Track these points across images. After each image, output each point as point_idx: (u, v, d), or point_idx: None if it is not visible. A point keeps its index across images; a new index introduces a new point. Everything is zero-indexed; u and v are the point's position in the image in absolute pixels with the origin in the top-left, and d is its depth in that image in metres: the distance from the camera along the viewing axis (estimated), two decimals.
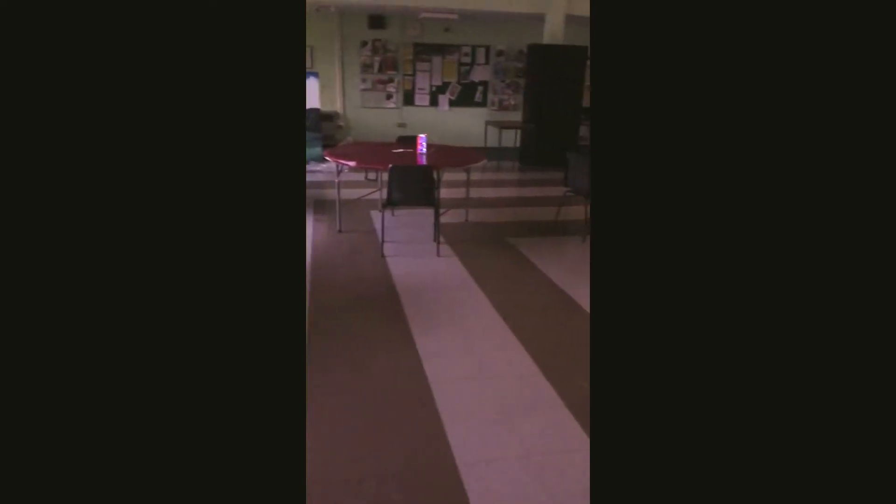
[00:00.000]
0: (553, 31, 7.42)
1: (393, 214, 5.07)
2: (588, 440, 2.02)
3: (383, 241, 4.16)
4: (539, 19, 7.76)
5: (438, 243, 4.21)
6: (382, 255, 3.94)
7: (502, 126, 7.47)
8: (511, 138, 8.98)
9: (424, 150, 4.44)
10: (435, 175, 3.90)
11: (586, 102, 8.71)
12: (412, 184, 3.80)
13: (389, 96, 8.89)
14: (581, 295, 3.34)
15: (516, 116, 9.19)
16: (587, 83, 8.59)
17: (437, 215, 4.07)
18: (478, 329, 2.88)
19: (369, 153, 4.56)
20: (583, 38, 8.94)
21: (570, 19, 7.93)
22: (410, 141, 4.85)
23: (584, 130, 9.06)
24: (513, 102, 9.32)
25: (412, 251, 4.08)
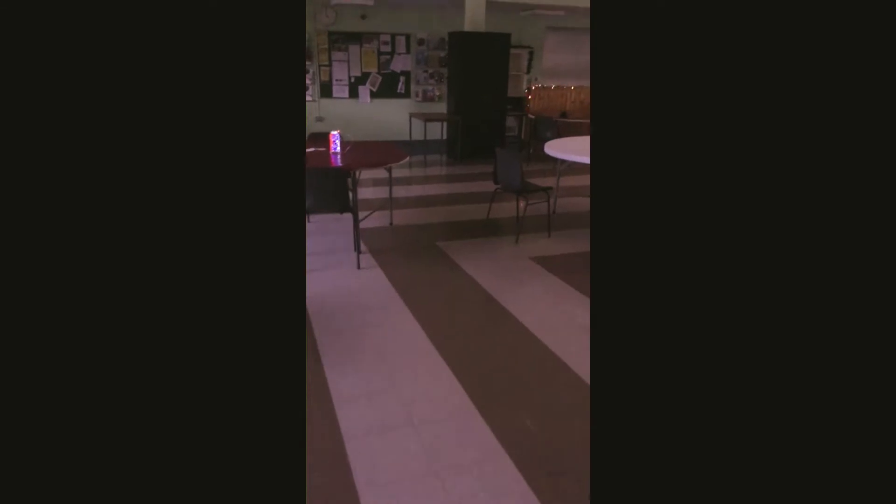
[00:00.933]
0: (474, 18, 7.09)
1: (309, 221, 4.55)
2: (535, 498, 1.68)
3: None
4: (459, 5, 7.41)
5: (359, 253, 3.76)
6: None
7: (427, 118, 7.08)
8: (437, 131, 8.61)
9: (339, 148, 3.96)
10: (353, 176, 3.45)
11: (512, 92, 8.49)
12: (325, 188, 3.33)
13: (305, 88, 8.24)
14: (516, 305, 3.03)
15: (441, 108, 8.82)
16: (512, 72, 8.38)
17: (356, 222, 3.62)
18: (402, 360, 2.48)
19: None
20: (504, 25, 8.70)
21: (492, 6, 7.63)
22: (324, 138, 4.35)
23: (510, 121, 8.86)
24: (437, 93, 8.94)
25: (330, 263, 3.61)
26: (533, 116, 7.59)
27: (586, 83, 10.14)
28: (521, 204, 4.93)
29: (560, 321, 2.85)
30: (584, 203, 5.20)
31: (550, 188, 4.27)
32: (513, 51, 8.70)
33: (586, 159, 3.90)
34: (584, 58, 10.61)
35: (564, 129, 7.64)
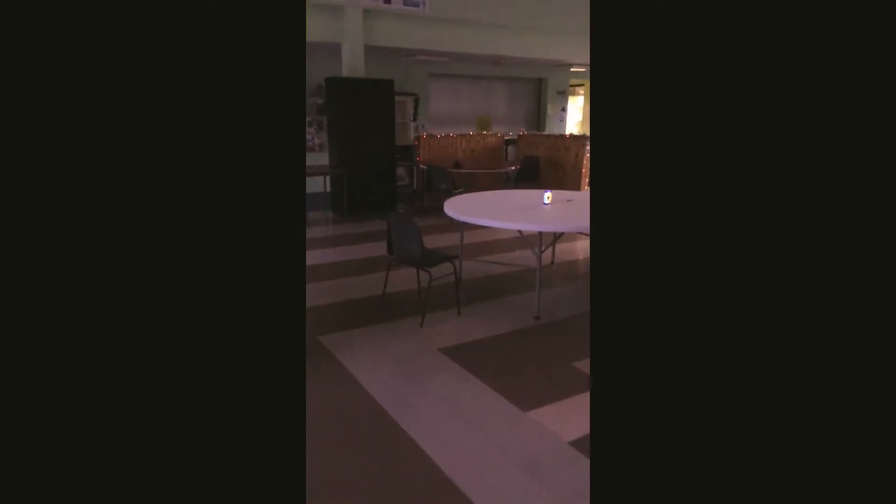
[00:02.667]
0: (352, 63, 6.46)
1: None
2: None
3: None
4: (335, 50, 6.76)
5: None
6: None
7: (308, 173, 6.20)
8: (320, 184, 7.75)
9: None
10: None
11: (400, 141, 7.95)
12: None
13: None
14: (421, 428, 2.22)
15: (324, 159, 8.00)
16: (399, 120, 7.86)
17: None
18: None
19: None
20: (386, 71, 8.21)
21: (372, 51, 7.08)
22: None
23: (400, 171, 8.27)
24: (318, 142, 8.11)
25: None
26: (424, 166, 7.04)
27: (473, 131, 9.92)
28: (425, 277, 4.22)
29: (483, 453, 2.10)
30: (493, 268, 4.60)
31: (456, 256, 3.60)
32: (399, 98, 8.22)
33: (496, 223, 3.29)
34: (470, 105, 10.47)
35: (459, 180, 7.18)
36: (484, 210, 3.63)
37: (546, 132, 10.76)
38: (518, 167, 7.29)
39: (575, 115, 13.81)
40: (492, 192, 4.51)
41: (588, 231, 3.25)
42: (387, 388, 2.58)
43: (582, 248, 5.13)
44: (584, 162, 7.34)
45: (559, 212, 3.64)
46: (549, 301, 3.77)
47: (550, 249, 4.81)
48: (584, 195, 4.35)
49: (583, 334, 3.22)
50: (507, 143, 8.86)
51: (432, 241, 5.35)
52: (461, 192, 6.75)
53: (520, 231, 3.25)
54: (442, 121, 10.15)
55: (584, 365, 2.83)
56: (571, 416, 2.35)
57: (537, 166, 7.55)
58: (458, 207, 3.68)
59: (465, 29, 7.35)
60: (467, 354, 2.96)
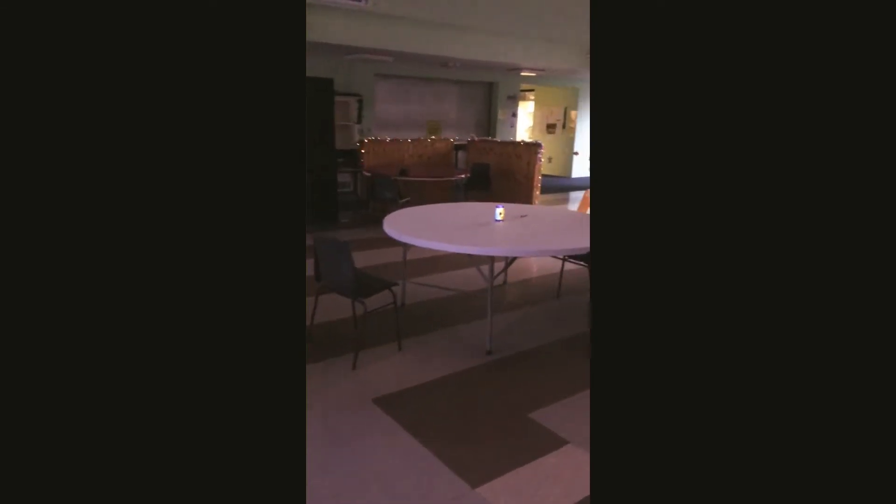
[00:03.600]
0: None
1: None
2: None
3: None
4: None
5: None
6: None
7: None
8: None
9: None
10: None
11: (342, 145, 7.38)
12: None
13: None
14: None
15: None
16: (341, 122, 7.30)
17: None
18: None
19: None
20: (327, 70, 7.64)
21: (311, 47, 6.50)
22: None
23: (344, 177, 7.71)
24: None
25: None
26: (369, 173, 6.53)
27: (422, 135, 9.48)
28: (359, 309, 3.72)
29: None
30: (439, 291, 4.16)
31: (396, 283, 3.13)
32: (340, 98, 7.65)
33: (443, 245, 2.85)
34: (417, 108, 10.02)
35: (406, 189, 6.71)
36: (429, 228, 3.18)
37: (498, 139, 10.48)
38: (468, 175, 6.90)
39: (525, 122, 13.65)
40: (439, 205, 4.08)
41: (546, 254, 2.87)
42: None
43: (536, 265, 4.78)
44: (536, 171, 7.05)
45: (513, 231, 3.25)
46: (501, 329, 3.37)
47: (502, 269, 4.43)
48: (538, 210, 3.99)
49: (540, 373, 2.84)
50: (457, 148, 8.47)
51: (374, 258, 4.85)
52: (407, 202, 6.29)
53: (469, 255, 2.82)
54: (390, 124, 9.65)
55: (542, 416, 2.43)
56: (530, 492, 1.93)
57: (488, 175, 7.20)
58: (401, 225, 3.22)
59: (410, 27, 6.90)
60: (406, 405, 2.50)
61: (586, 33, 8.98)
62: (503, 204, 3.92)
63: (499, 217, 3.48)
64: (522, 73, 10.46)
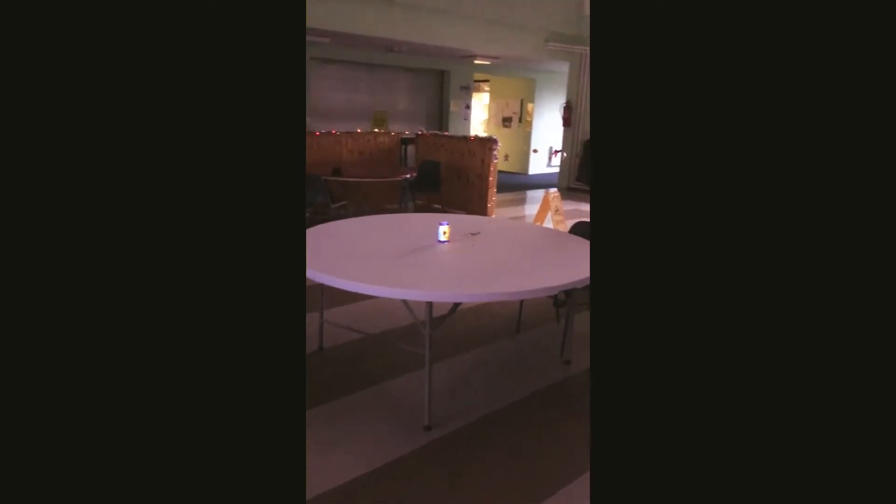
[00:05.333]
0: None
1: None
2: None
3: None
4: None
5: None
6: None
7: None
8: None
9: None
10: None
11: None
12: None
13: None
14: None
15: None
16: None
17: None
18: None
19: None
20: None
21: None
22: None
23: None
24: None
25: None
26: None
27: (366, 127, 8.57)
28: None
29: None
30: (350, 334, 3.34)
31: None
32: None
33: (367, 288, 2.02)
34: (362, 97, 9.09)
35: (343, 192, 5.81)
36: (352, 256, 2.35)
37: (450, 132, 9.67)
38: (414, 175, 6.08)
39: (480, 114, 12.91)
40: (373, 218, 3.24)
41: (501, 297, 2.10)
42: None
43: None
44: (492, 170, 6.30)
45: (459, 260, 2.46)
46: (445, 385, 2.58)
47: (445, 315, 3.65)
48: (494, 226, 3.22)
49: (505, 457, 2.06)
50: (405, 143, 7.62)
51: None
52: (343, 207, 5.40)
53: (404, 301, 2.00)
54: (332, 115, 8.69)
55: None
56: None
57: (437, 174, 6.39)
58: (317, 251, 2.37)
59: (349, 4, 5.98)
60: None
61: (544, 19, 8.31)
62: (451, 216, 3.13)
63: (443, 237, 2.69)
64: (476, 62, 9.69)
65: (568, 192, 8.85)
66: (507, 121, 11.86)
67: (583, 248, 2.72)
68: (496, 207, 6.84)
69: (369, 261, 2.32)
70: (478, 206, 6.49)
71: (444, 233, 2.69)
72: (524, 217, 6.81)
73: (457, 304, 2.42)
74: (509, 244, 2.81)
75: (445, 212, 6.80)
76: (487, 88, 12.27)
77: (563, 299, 2.28)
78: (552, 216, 5.77)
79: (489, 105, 12.34)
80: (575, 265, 2.41)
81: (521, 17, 7.83)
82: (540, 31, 8.23)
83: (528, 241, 2.91)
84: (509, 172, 11.52)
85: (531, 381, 2.65)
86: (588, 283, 2.24)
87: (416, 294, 1.97)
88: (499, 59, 8.97)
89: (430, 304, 2.20)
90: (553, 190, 5.80)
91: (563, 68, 9.19)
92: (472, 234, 2.88)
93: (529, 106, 11.30)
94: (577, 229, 3.13)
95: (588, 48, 8.56)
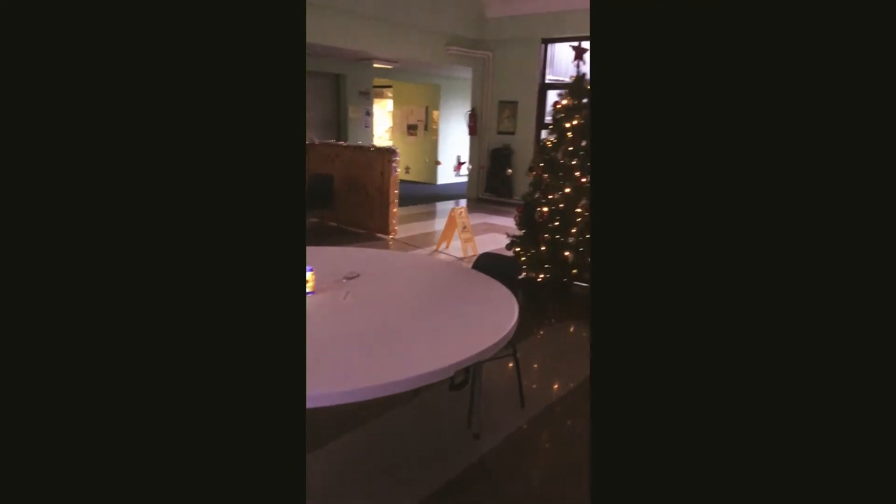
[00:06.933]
0: None
1: None
2: None
3: None
4: None
5: None
6: None
7: None
8: None
9: None
10: None
11: None
12: None
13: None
14: None
15: None
16: None
17: None
18: None
19: None
20: None
21: None
22: None
23: None
24: None
25: None
26: None
27: None
28: None
29: None
30: None
31: None
32: None
33: None
34: None
35: None
36: None
37: (350, 142, 8.92)
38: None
39: (384, 122, 12.25)
40: None
41: (374, 392, 1.44)
42: None
43: None
44: (392, 183, 5.65)
45: (324, 325, 1.78)
46: (316, 492, 1.88)
47: None
48: (381, 264, 2.57)
49: None
50: None
51: None
52: None
53: None
54: None
55: None
56: None
57: (330, 189, 5.64)
58: None
59: None
60: None
61: (445, 22, 7.82)
62: (327, 249, 2.44)
63: (308, 290, 1.99)
64: (375, 65, 9.04)
65: (477, 204, 8.43)
66: (412, 128, 11.30)
67: (490, 291, 2.14)
68: (400, 224, 6.20)
69: None
70: (379, 223, 5.82)
71: (309, 282, 2.00)
72: (433, 233, 6.23)
73: None
74: (395, 292, 2.17)
75: (341, 230, 6.06)
76: (390, 94, 11.65)
77: (463, 379, 1.68)
78: (459, 234, 5.24)
79: (393, 112, 11.73)
80: (481, 322, 1.82)
81: (420, 19, 7.29)
82: (440, 34, 7.74)
83: (420, 284, 2.30)
84: (417, 182, 10.96)
85: (439, 468, 2.02)
86: (499, 347, 1.65)
87: None
88: (398, 62, 8.38)
89: None
90: (461, 204, 5.28)
91: (467, 74, 8.79)
92: (348, 279, 2.20)
93: (435, 113, 10.82)
94: (482, 263, 2.56)
95: (491, 53, 8.21)
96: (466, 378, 1.69)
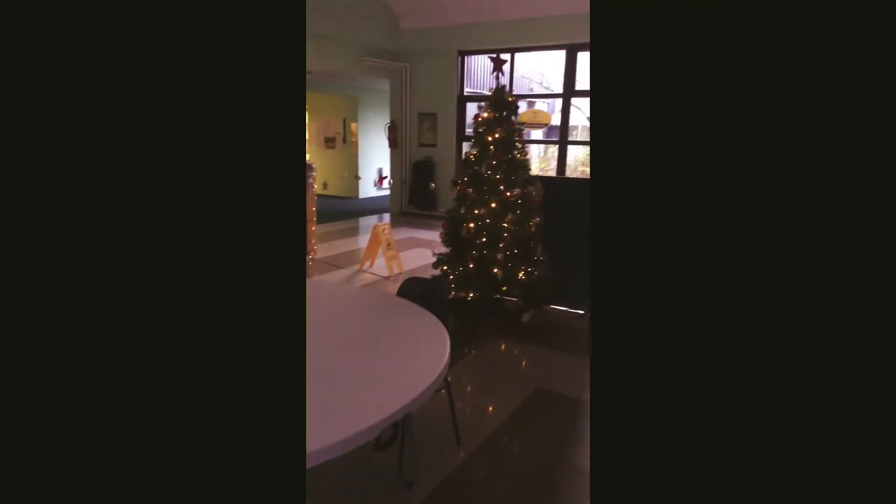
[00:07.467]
0: None
1: None
2: None
3: None
4: None
5: None
6: None
7: None
8: None
9: None
10: None
11: None
12: None
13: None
14: None
15: None
16: None
17: None
18: None
19: None
20: None
21: None
22: None
23: None
24: None
25: None
26: None
27: None
28: None
29: None
30: None
31: None
32: None
33: None
34: None
35: None
36: None
37: None
38: None
39: None
40: None
41: None
42: None
43: None
44: (309, 200, 5.31)
45: None
46: None
47: None
48: (314, 291, 2.29)
49: None
50: None
51: None
52: None
53: None
54: None
55: None
56: None
57: None
58: None
59: None
60: None
61: (359, 33, 7.58)
62: None
63: None
64: None
65: (401, 217, 8.22)
66: (329, 141, 10.91)
67: (418, 323, 1.94)
68: (321, 242, 5.86)
69: None
70: None
71: None
72: (357, 251, 5.94)
73: None
74: (310, 332, 1.91)
75: None
76: (306, 106, 11.19)
77: (391, 435, 1.46)
78: (384, 251, 5.01)
79: (309, 125, 11.27)
80: (409, 364, 1.61)
81: (333, 28, 7.01)
82: (354, 44, 7.50)
83: (336, 317, 2.05)
84: (337, 197, 10.57)
85: None
86: (429, 393, 1.45)
87: None
88: (311, 73, 8.03)
89: None
90: (385, 219, 5.05)
91: (386, 86, 8.59)
92: None
93: (353, 125, 10.51)
94: (408, 288, 2.36)
95: (408, 65, 8.07)
96: (395, 433, 1.47)
